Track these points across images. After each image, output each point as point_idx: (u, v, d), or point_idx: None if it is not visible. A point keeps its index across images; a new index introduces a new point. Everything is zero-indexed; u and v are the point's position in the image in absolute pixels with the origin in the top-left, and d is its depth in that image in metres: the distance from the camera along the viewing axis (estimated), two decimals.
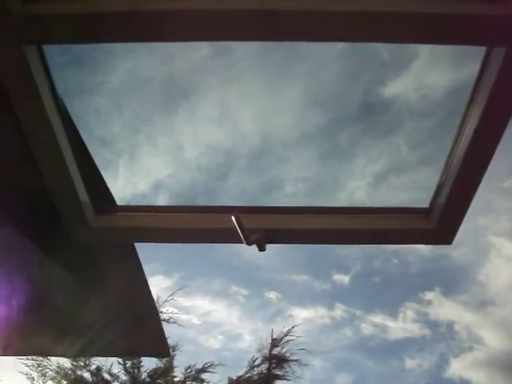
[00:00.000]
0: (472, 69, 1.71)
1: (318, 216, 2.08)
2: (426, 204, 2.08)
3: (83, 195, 1.97)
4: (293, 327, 12.53)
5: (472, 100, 1.71)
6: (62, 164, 1.82)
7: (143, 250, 2.31)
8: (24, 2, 1.50)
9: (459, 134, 1.80)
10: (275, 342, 12.37)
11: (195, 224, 2.06)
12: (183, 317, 12.54)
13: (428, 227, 2.03)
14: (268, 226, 2.01)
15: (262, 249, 1.95)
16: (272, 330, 12.46)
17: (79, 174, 1.92)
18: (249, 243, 1.90)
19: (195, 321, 14.26)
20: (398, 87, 2.17)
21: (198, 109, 2.24)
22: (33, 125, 1.72)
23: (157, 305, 11.43)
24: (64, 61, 1.84)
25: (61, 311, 2.53)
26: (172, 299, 12.17)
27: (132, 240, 2.24)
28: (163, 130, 2.33)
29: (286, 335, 12.41)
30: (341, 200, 2.41)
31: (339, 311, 14.73)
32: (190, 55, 1.97)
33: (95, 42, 1.69)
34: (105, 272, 2.41)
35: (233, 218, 1.83)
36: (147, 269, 2.42)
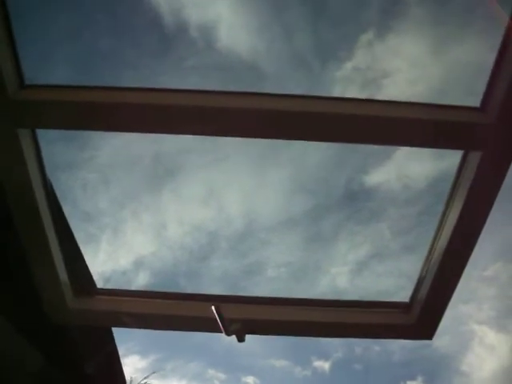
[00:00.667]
0: (453, 159, 1.76)
1: (297, 308, 2.08)
2: (407, 291, 2.08)
3: (63, 276, 1.95)
4: None
5: (451, 197, 1.76)
6: (44, 243, 1.82)
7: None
8: (20, 87, 1.56)
9: (439, 229, 1.84)
10: None
11: (174, 311, 2.05)
12: None
13: (408, 322, 2.04)
14: (247, 316, 2.00)
15: (241, 340, 1.93)
16: None
17: (61, 254, 1.92)
18: (228, 334, 1.88)
19: None
20: (380, 176, 2.21)
21: (184, 189, 2.27)
22: (18, 204, 1.74)
23: None
24: (54, 135, 1.87)
25: None
26: (145, 383, 11.72)
27: (110, 324, 2.21)
28: (148, 207, 2.34)
29: None
30: (323, 285, 2.40)
31: None
32: (178, 136, 2.00)
33: (88, 129, 1.75)
34: (80, 354, 2.34)
35: (213, 308, 1.83)
36: (122, 348, 2.36)
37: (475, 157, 1.61)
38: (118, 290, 2.12)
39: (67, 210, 2.03)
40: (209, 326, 1.92)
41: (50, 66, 1.88)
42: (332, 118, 1.56)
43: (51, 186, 1.81)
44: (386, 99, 1.64)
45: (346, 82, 2.03)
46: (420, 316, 1.98)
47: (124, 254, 2.42)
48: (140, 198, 2.30)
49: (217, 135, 1.70)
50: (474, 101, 1.68)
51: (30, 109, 1.57)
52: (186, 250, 2.48)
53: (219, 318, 1.83)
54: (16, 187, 1.70)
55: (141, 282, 2.44)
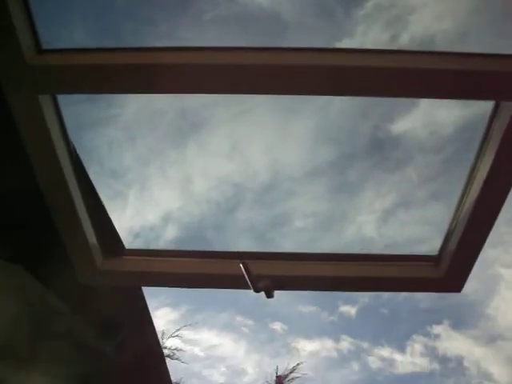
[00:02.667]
0: (479, 106, 1.72)
1: (325, 263, 2.07)
2: (434, 239, 2.07)
3: (92, 238, 1.98)
4: (298, 364, 12.33)
5: (482, 148, 1.71)
6: (71, 207, 1.84)
7: None
8: (37, 52, 1.53)
9: (468, 181, 1.80)
10: (280, 379, 12.18)
11: (203, 269, 2.06)
12: (189, 351, 12.42)
13: (437, 276, 2.02)
14: (275, 272, 2.00)
15: (269, 296, 1.93)
16: (277, 367, 12.28)
17: (88, 217, 1.93)
18: (256, 290, 1.89)
19: (201, 354, 14.11)
20: (406, 124, 2.18)
21: (209, 142, 2.26)
22: (44, 169, 1.75)
23: (162, 340, 11.39)
24: (78, 95, 1.87)
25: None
26: (177, 336, 12.06)
27: (140, 284, 2.25)
28: (174, 162, 2.35)
29: (291, 372, 12.23)
30: (350, 235, 2.41)
31: (346, 344, 14.54)
32: None
33: (108, 92, 1.73)
34: (111, 313, 2.40)
35: (241, 266, 1.83)
36: (154, 302, 2.42)
37: (508, 108, 1.53)
38: (146, 249, 2.14)
39: (93, 169, 2.05)
40: (237, 282, 1.92)
41: (67, 27, 1.85)
42: (356, 72, 1.51)
43: (75, 150, 1.81)
44: (413, 49, 1.58)
45: (369, 20, 1.98)
46: (449, 269, 1.96)
47: (151, 209, 2.45)
48: (165, 154, 2.31)
49: (239, 93, 1.67)
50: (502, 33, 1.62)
51: (49, 74, 1.54)
52: (212, 203, 2.50)
53: (247, 275, 1.83)
54: (40, 153, 1.70)
55: (169, 236, 2.48)
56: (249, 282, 1.85)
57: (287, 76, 1.54)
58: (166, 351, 11.79)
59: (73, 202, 1.82)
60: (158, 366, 2.85)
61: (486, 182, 1.69)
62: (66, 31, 1.84)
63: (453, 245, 1.91)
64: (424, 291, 2.13)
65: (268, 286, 1.91)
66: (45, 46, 1.55)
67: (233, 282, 2.02)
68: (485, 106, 1.69)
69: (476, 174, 1.75)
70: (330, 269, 2.05)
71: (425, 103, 2.07)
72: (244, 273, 1.83)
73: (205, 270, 2.06)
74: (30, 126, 1.63)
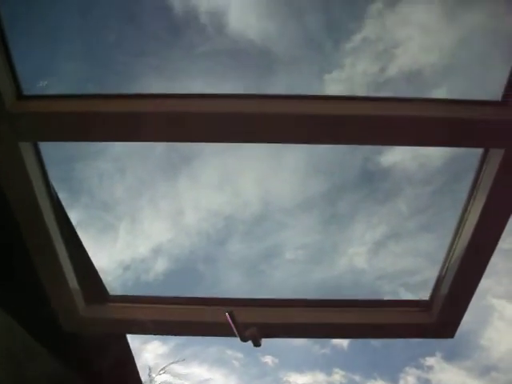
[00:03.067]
0: None
1: (314, 309, 2.03)
2: (425, 271, 2.07)
3: (74, 284, 1.93)
4: None
5: (471, 195, 1.70)
6: (52, 253, 1.80)
7: None
8: (18, 98, 1.49)
9: (459, 228, 1.79)
10: None
11: (188, 317, 2.02)
12: None
13: (429, 321, 1.99)
14: (262, 320, 1.96)
15: (256, 344, 1.89)
16: None
17: (70, 263, 1.90)
18: (243, 339, 1.85)
19: None
20: (396, 156, 2.20)
21: (200, 175, 2.27)
22: (24, 215, 1.71)
23: (150, 376, 11.22)
24: None
25: None
26: (164, 372, 11.86)
27: (123, 331, 2.19)
28: (165, 194, 2.34)
29: None
30: (341, 266, 2.41)
31: (338, 377, 14.31)
32: None
33: (91, 140, 1.68)
34: (94, 359, 2.34)
35: (227, 315, 1.79)
36: (143, 335, 2.38)
37: (497, 153, 1.53)
38: (130, 296, 2.09)
39: (84, 201, 2.04)
40: (224, 331, 1.88)
41: (50, 71, 1.85)
42: (342, 120, 1.51)
43: (57, 196, 1.79)
44: (398, 96, 1.57)
45: (356, 53, 2.01)
46: (441, 315, 1.93)
47: (142, 241, 2.44)
48: (156, 186, 2.31)
49: (224, 141, 1.65)
50: (489, 63, 1.63)
51: (30, 122, 1.50)
52: (203, 235, 2.49)
53: (233, 324, 1.80)
54: (20, 199, 1.66)
55: (159, 268, 2.47)
56: (235, 331, 1.81)
57: (275, 124, 1.53)
58: None
59: (54, 248, 1.78)
60: None
61: (477, 227, 1.68)
62: (50, 74, 1.82)
63: (444, 290, 1.89)
64: (415, 337, 2.08)
65: (255, 334, 1.87)
66: (26, 92, 1.51)
67: (219, 329, 1.97)
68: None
69: (467, 218, 1.74)
70: (319, 316, 2.01)
71: None
72: (230, 322, 1.79)
73: (191, 317, 2.01)
74: (10, 172, 1.59)
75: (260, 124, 1.53)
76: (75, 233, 1.90)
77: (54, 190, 1.77)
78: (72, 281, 1.92)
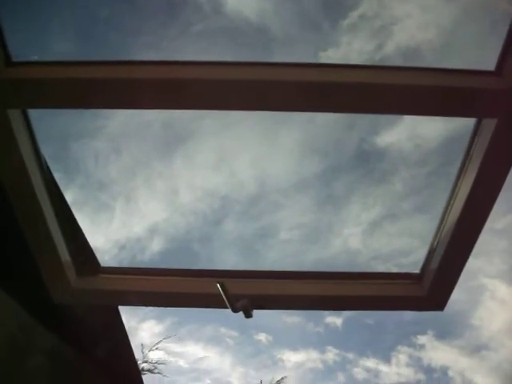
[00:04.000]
0: (464, 120, 1.74)
1: (305, 281, 2.03)
2: (419, 251, 2.08)
3: (65, 256, 1.91)
4: (282, 378, 12.21)
5: (464, 165, 1.70)
6: (43, 225, 1.78)
7: None
8: (6, 65, 1.46)
9: (451, 199, 1.79)
10: None
11: (180, 288, 2.01)
12: (175, 363, 12.28)
13: (419, 294, 2.00)
14: (254, 291, 1.96)
15: (248, 315, 1.89)
16: (261, 382, 12.15)
17: (61, 235, 1.87)
18: (234, 310, 1.84)
19: (187, 367, 13.96)
20: (392, 136, 2.20)
21: (196, 155, 2.26)
22: (14, 185, 1.68)
23: (143, 353, 11.34)
24: None
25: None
26: (156, 349, 11.95)
27: (115, 303, 2.18)
28: (160, 174, 2.34)
29: None
30: (336, 247, 2.42)
31: (331, 355, 14.46)
32: None
33: (81, 107, 1.64)
34: (87, 332, 2.35)
35: (218, 286, 1.79)
36: (139, 314, 2.41)
37: (490, 124, 1.53)
38: (122, 268, 2.08)
39: (79, 181, 2.04)
40: (215, 302, 1.88)
41: (41, 39, 1.82)
42: (338, 88, 1.50)
43: (48, 167, 1.76)
44: (394, 65, 1.57)
45: (354, 31, 2.00)
46: (431, 287, 1.94)
47: (138, 221, 2.44)
48: (152, 166, 2.30)
49: (223, 109, 1.61)
50: (487, 45, 1.62)
51: (19, 88, 1.47)
52: (199, 215, 2.50)
53: (225, 295, 1.79)
54: (9, 168, 1.63)
55: (155, 248, 2.47)
56: (226, 302, 1.81)
57: (272, 91, 1.51)
58: (147, 365, 11.65)
59: (45, 219, 1.77)
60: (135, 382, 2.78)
61: (468, 200, 1.68)
62: (40, 43, 1.80)
63: (435, 263, 1.89)
64: (406, 309, 2.10)
65: (246, 305, 1.87)
66: (15, 59, 1.47)
67: (211, 301, 1.96)
68: (468, 120, 1.70)
69: (458, 191, 1.74)
70: (310, 288, 2.01)
71: (410, 117, 2.09)
72: (221, 293, 1.79)
73: (182, 289, 2.00)
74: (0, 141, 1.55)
75: (257, 90, 1.51)
76: (67, 205, 1.89)
77: (46, 163, 1.74)
78: (63, 253, 1.90)
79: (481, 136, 1.58)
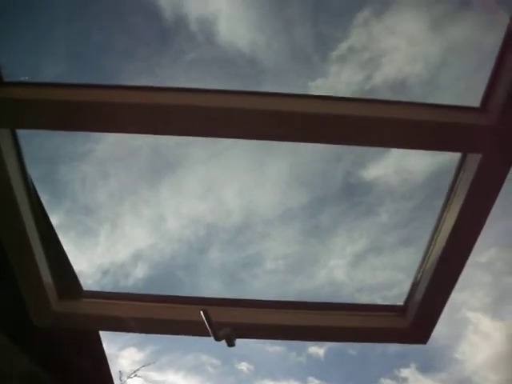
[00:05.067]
0: (451, 154, 1.76)
1: (288, 311, 2.03)
2: (404, 284, 2.08)
3: (47, 278, 1.90)
4: None
5: (448, 199, 1.72)
6: (26, 245, 1.76)
7: None
8: None
9: (435, 233, 1.80)
10: None
11: (163, 315, 2.00)
12: None
13: (402, 326, 2.00)
14: (237, 320, 1.95)
15: (231, 344, 1.88)
16: None
17: (45, 257, 1.86)
18: (217, 338, 1.83)
19: None
20: (378, 170, 2.22)
21: (183, 182, 2.27)
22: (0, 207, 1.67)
23: (123, 379, 11.15)
24: None
25: None
26: (135, 376, 11.75)
27: (96, 327, 2.16)
28: (147, 200, 2.34)
29: None
30: (320, 278, 2.42)
31: None
32: None
33: (70, 129, 1.65)
34: (66, 356, 2.31)
35: (201, 313, 1.77)
36: (119, 341, 2.37)
37: (474, 159, 1.56)
38: (105, 292, 2.06)
39: (66, 204, 2.03)
40: (198, 330, 1.85)
41: (34, 60, 1.83)
42: (325, 119, 1.52)
43: (34, 188, 1.76)
44: (381, 99, 1.59)
45: (342, 61, 2.03)
46: (414, 320, 1.94)
47: (123, 247, 2.43)
48: (139, 192, 2.30)
49: (211, 136, 1.64)
50: (473, 81, 1.65)
51: (9, 108, 1.48)
52: (184, 242, 2.49)
53: (208, 323, 1.78)
54: None
55: (139, 274, 2.45)
56: (209, 330, 1.79)
57: (260, 120, 1.53)
58: None
59: (28, 240, 1.75)
60: None
61: (452, 233, 1.69)
62: (32, 64, 1.81)
63: (419, 295, 1.90)
64: (389, 342, 2.09)
65: (229, 334, 1.85)
66: (7, 79, 1.49)
67: (194, 328, 1.95)
68: (455, 155, 1.73)
69: (443, 225, 1.75)
70: (293, 317, 2.00)
71: (397, 150, 2.11)
72: (204, 320, 1.78)
73: (165, 315, 1.99)
74: None
75: (245, 118, 1.53)
76: (52, 228, 1.87)
77: (33, 184, 1.74)
78: (46, 275, 1.88)
79: (465, 171, 1.61)
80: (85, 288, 2.05)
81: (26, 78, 1.58)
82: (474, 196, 1.61)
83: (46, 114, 1.51)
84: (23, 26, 1.74)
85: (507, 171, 1.55)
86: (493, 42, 1.51)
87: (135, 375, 11.73)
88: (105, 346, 2.29)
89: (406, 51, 1.98)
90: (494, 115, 1.47)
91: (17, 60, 1.68)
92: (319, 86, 2.03)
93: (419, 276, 1.91)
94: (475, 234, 1.71)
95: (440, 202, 1.83)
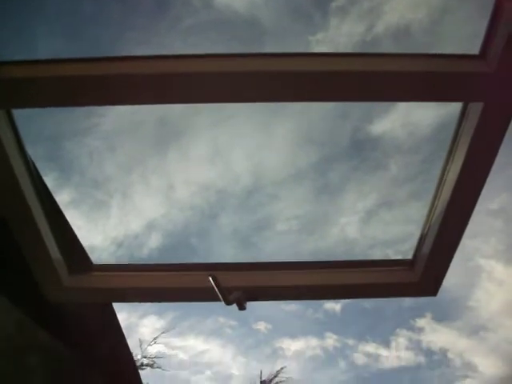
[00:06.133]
0: (455, 106, 1.75)
1: (298, 272, 2.02)
2: (415, 238, 2.09)
3: (56, 255, 1.90)
4: (282, 368, 12.25)
5: (452, 149, 1.70)
6: (32, 224, 1.76)
7: None
8: None
9: (440, 184, 1.78)
10: None
11: (172, 283, 2.00)
12: (177, 357, 12.35)
13: (412, 280, 1.99)
14: (247, 283, 1.95)
15: (241, 308, 1.88)
16: (261, 372, 12.20)
17: (51, 234, 1.86)
18: (228, 303, 1.82)
19: (189, 360, 14.04)
20: (386, 125, 2.21)
21: (190, 149, 2.26)
22: (1, 187, 1.67)
23: (144, 346, 11.42)
24: None
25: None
26: (155, 343, 11.98)
27: (108, 300, 2.17)
28: (156, 170, 2.34)
29: (275, 376, 12.15)
30: (333, 236, 2.43)
31: (331, 341, 14.56)
32: None
33: (70, 105, 1.63)
34: (82, 330, 2.35)
35: (210, 279, 1.77)
36: (139, 310, 2.41)
37: (476, 108, 1.53)
38: (114, 264, 2.07)
39: (74, 179, 2.03)
40: (209, 295, 1.84)
41: (27, 37, 1.80)
42: (328, 76, 1.49)
43: (35, 167, 1.74)
44: (379, 52, 1.55)
45: (342, 13, 2.00)
46: (424, 273, 1.93)
47: (135, 218, 2.44)
48: (146, 162, 2.30)
49: (215, 102, 1.61)
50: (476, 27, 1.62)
51: (5, 88, 1.45)
52: (195, 209, 2.50)
53: (217, 288, 1.77)
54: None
55: (153, 244, 2.48)
56: (219, 295, 1.80)
57: (264, 82, 1.50)
58: (146, 360, 11.71)
59: (33, 218, 1.76)
60: (132, 380, 2.79)
61: (457, 184, 1.68)
62: (26, 41, 1.79)
63: (427, 248, 1.89)
64: (399, 296, 2.10)
65: (239, 298, 1.86)
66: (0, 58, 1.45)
67: (204, 295, 1.95)
68: (458, 106, 1.71)
69: (447, 175, 1.74)
70: (303, 278, 2.01)
71: (402, 104, 2.10)
72: (213, 286, 1.78)
73: (174, 283, 2.00)
74: None
75: (249, 82, 1.50)
76: (56, 204, 1.89)
77: (33, 162, 1.73)
78: (54, 252, 1.89)
79: (468, 120, 1.59)
80: (98, 262, 2.07)
81: (21, 56, 1.56)
82: (477, 144, 1.59)
83: (44, 92, 1.48)
84: (13, 2, 1.71)
85: (510, 118, 1.53)
86: None
87: (155, 342, 11.99)
88: (125, 315, 2.33)
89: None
90: (493, 62, 1.43)
91: (8, 37, 1.66)
92: (320, 40, 2.01)
93: (426, 228, 1.91)
94: (480, 183, 1.70)
95: (443, 162, 1.82)
